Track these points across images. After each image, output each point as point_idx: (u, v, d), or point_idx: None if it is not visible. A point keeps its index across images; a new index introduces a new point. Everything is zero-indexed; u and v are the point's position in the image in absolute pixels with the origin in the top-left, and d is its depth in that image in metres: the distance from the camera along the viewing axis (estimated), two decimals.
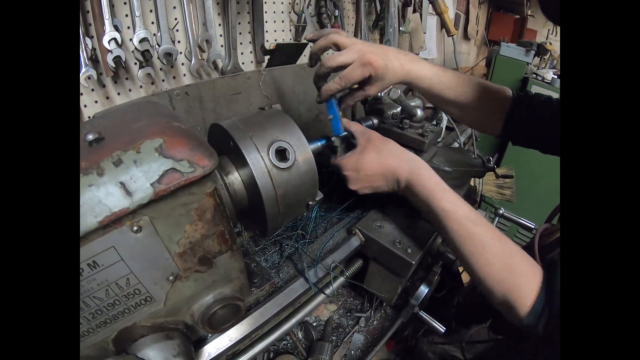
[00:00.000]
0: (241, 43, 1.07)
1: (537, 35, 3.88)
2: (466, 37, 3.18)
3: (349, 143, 0.72)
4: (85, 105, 0.85)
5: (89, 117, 0.85)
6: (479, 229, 0.58)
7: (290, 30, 1.23)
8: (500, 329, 1.28)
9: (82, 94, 0.83)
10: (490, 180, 1.72)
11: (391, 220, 0.79)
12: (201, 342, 0.58)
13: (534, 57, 2.24)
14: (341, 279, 0.75)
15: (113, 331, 0.40)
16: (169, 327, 0.45)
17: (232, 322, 0.52)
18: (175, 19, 0.92)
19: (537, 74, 2.30)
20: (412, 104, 0.94)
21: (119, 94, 0.90)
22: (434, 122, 0.93)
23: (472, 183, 1.52)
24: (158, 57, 0.86)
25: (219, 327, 0.50)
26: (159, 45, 0.85)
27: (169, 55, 0.86)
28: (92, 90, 0.85)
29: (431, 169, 0.65)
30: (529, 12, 3.71)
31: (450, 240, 0.61)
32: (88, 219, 0.29)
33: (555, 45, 3.41)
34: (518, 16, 3.83)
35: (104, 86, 0.86)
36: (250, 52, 1.12)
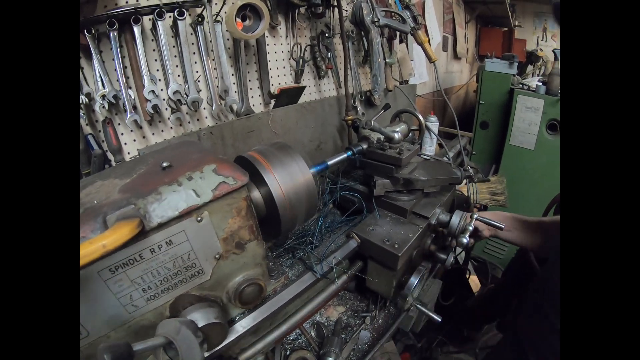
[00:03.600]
0: (251, 89, 1.29)
1: (526, 43, 4.01)
2: (456, 57, 3.35)
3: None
4: (125, 143, 1.05)
5: (138, 151, 1.04)
6: None
7: (291, 74, 1.44)
8: (506, 326, 1.38)
9: (122, 133, 1.03)
10: (483, 189, 1.87)
11: (381, 224, 0.96)
12: (231, 322, 0.72)
13: (527, 67, 2.33)
14: (344, 275, 0.91)
15: (172, 297, 0.56)
16: (210, 298, 0.61)
17: (257, 299, 0.68)
18: (197, 71, 1.14)
19: (522, 84, 2.42)
20: (397, 128, 1.13)
21: (153, 134, 1.11)
22: (412, 142, 1.12)
23: (465, 192, 1.69)
24: (187, 105, 1.07)
25: (247, 303, 0.66)
26: (187, 95, 1.07)
27: (195, 102, 1.07)
28: (131, 131, 1.05)
29: None
30: (516, 23, 3.84)
31: None
32: (170, 212, 0.47)
33: (546, 50, 3.52)
34: (506, 28, 3.97)
35: (140, 128, 1.07)
36: (259, 95, 1.34)
